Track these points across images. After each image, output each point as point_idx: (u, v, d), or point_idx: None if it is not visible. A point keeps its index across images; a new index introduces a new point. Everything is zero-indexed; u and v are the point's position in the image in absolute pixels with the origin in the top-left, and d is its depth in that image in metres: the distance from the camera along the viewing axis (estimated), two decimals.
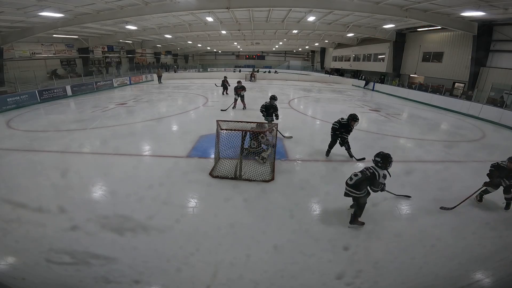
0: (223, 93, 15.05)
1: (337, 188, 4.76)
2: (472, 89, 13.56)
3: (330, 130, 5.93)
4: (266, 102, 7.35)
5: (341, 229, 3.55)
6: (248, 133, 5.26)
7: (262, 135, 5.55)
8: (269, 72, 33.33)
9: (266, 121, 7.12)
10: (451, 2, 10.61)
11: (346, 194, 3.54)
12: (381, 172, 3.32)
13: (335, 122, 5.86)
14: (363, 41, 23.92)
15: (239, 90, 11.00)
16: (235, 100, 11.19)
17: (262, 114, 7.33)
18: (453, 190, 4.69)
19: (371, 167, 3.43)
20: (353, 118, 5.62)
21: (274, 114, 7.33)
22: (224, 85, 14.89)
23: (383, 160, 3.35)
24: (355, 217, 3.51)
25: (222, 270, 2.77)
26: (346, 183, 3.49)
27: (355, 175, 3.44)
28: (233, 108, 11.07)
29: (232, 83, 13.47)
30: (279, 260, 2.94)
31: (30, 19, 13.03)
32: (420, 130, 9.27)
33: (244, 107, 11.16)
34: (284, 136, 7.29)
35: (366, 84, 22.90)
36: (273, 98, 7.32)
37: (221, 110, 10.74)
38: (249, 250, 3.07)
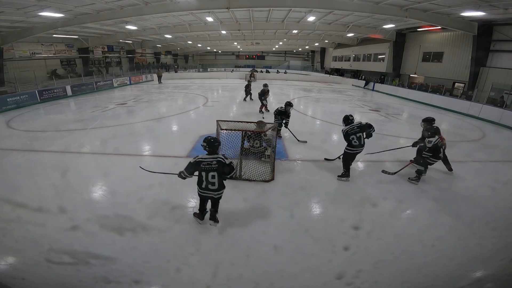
0: (245, 99, 13.52)
1: (337, 188, 4.78)
2: (472, 89, 13.55)
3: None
4: (280, 107, 7.06)
5: (341, 229, 3.55)
6: (246, 135, 5.24)
7: (264, 133, 5.55)
8: (277, 72, 33.35)
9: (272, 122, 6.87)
10: (451, 2, 10.62)
11: (208, 197, 3.26)
12: (220, 156, 3.12)
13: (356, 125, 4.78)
14: (363, 41, 23.92)
15: (266, 94, 10.59)
16: (263, 104, 10.61)
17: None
18: (453, 190, 4.70)
19: (210, 157, 3.10)
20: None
21: (283, 120, 7.00)
22: (247, 90, 13.41)
23: (209, 144, 3.12)
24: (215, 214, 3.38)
25: (222, 270, 2.77)
26: (209, 189, 3.15)
27: (213, 176, 3.10)
28: (264, 111, 10.53)
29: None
30: (279, 260, 2.94)
31: (30, 19, 13.03)
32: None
33: (267, 111, 10.76)
34: (299, 141, 7.00)
35: (366, 84, 22.90)
36: (288, 104, 7.03)
37: (263, 117, 9.73)
38: (249, 250, 3.07)
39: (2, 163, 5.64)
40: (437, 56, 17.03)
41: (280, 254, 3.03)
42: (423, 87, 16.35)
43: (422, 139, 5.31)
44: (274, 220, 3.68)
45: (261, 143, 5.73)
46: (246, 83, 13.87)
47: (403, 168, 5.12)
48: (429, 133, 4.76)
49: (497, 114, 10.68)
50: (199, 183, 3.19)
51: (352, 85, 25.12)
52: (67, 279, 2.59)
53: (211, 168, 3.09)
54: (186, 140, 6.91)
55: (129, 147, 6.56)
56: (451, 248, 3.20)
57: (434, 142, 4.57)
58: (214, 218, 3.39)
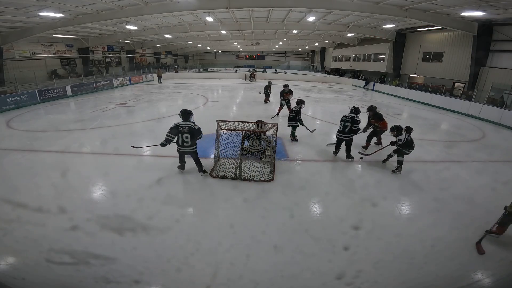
0: (265, 101, 13.00)
1: (337, 188, 4.79)
2: (472, 89, 13.55)
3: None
4: (295, 107, 6.91)
5: (341, 229, 3.55)
6: (246, 134, 5.25)
7: (263, 133, 5.55)
8: (275, 72, 33.84)
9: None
10: (451, 2, 10.61)
11: (185, 152, 4.65)
12: (190, 123, 4.55)
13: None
14: (363, 41, 23.91)
15: (286, 94, 9.86)
16: (282, 106, 10.06)
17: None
18: (453, 190, 4.70)
19: (184, 123, 4.52)
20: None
21: (297, 119, 6.82)
22: (266, 92, 12.76)
23: (183, 114, 4.62)
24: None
25: (222, 270, 2.77)
26: (184, 146, 4.52)
27: (186, 137, 4.47)
28: (277, 115, 9.91)
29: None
30: (279, 260, 2.94)
31: (30, 19, 13.03)
32: (420, 130, 9.23)
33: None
34: (311, 131, 7.16)
35: (366, 84, 22.89)
36: (300, 102, 6.88)
37: (272, 117, 9.65)
38: (249, 250, 3.08)
39: (2, 163, 5.64)
40: (437, 56, 17.02)
41: (280, 254, 3.03)
42: (423, 87, 16.33)
43: (369, 124, 6.49)
44: (274, 220, 3.69)
45: (260, 143, 5.73)
46: (266, 83, 13.03)
47: (379, 150, 5.64)
48: (395, 132, 5.07)
49: (497, 114, 10.68)
50: (177, 142, 4.55)
51: (352, 85, 25.10)
52: (67, 279, 2.59)
53: (184, 130, 4.48)
54: None
55: (129, 147, 6.51)
56: (451, 248, 3.20)
57: (404, 140, 4.92)
58: (202, 170, 4.80)
